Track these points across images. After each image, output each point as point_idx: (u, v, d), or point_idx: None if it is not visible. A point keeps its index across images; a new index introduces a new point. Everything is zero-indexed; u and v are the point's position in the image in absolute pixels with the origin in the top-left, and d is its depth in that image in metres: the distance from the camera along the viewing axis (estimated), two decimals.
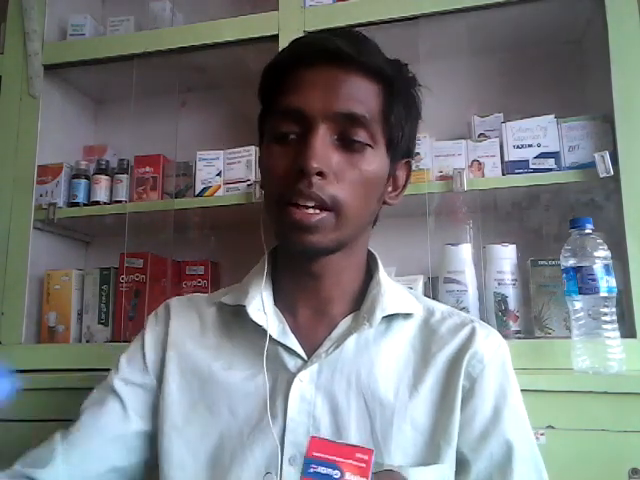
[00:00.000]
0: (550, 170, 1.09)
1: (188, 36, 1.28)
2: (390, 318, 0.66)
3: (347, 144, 0.61)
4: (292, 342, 0.64)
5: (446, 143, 1.17)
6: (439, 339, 0.66)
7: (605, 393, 0.87)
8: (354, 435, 0.60)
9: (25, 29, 1.35)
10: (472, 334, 0.65)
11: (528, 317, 1.09)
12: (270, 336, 0.64)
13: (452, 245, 1.12)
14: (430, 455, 0.60)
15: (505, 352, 0.67)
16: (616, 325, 0.91)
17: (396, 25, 1.17)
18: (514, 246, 1.11)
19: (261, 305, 0.66)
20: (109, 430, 0.65)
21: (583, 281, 0.92)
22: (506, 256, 1.10)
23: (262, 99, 0.68)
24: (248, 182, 1.23)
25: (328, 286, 0.67)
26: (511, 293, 1.09)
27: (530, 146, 1.11)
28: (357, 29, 0.70)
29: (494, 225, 1.24)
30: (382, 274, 0.69)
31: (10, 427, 1.05)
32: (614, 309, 0.92)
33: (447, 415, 0.61)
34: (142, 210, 1.30)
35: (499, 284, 1.09)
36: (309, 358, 0.63)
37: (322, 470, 0.41)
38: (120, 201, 1.34)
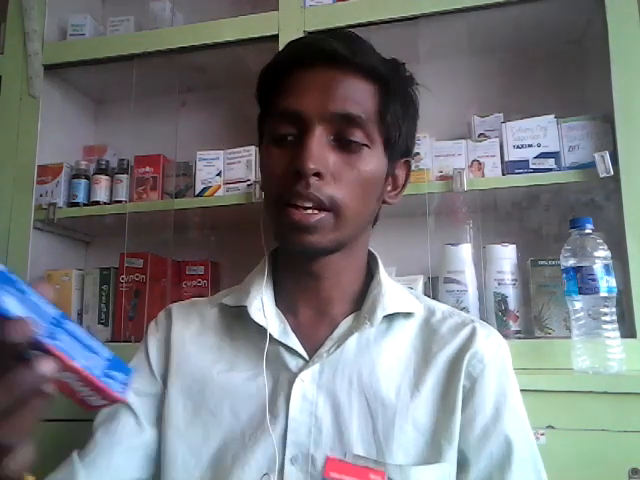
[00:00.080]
0: (550, 170, 1.09)
1: (188, 36, 1.28)
2: (391, 318, 0.66)
3: (344, 144, 0.61)
4: (293, 342, 0.64)
5: (446, 143, 1.17)
6: (440, 339, 0.66)
7: (605, 393, 0.88)
8: (356, 435, 0.60)
9: (25, 29, 1.35)
10: (472, 334, 0.66)
11: (528, 317, 1.09)
12: (271, 336, 0.64)
13: (452, 245, 1.12)
14: (432, 455, 0.60)
15: (505, 352, 0.67)
16: (616, 325, 0.91)
17: (396, 25, 1.17)
18: (514, 246, 1.11)
19: (262, 305, 0.66)
20: (126, 443, 0.65)
21: (583, 281, 0.92)
22: (506, 256, 1.10)
23: (260, 101, 0.68)
24: (248, 182, 1.23)
25: (328, 286, 0.67)
26: (511, 293, 1.09)
27: (530, 146, 1.11)
28: (357, 29, 0.71)
29: (494, 225, 1.24)
30: (383, 274, 0.69)
31: None
32: (614, 309, 0.92)
33: (448, 415, 0.61)
34: (142, 210, 1.30)
35: (499, 284, 1.09)
36: (310, 358, 0.63)
37: None
38: (120, 201, 1.34)
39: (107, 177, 1.37)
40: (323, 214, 0.59)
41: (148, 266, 1.31)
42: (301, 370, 0.63)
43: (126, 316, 1.27)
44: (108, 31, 1.39)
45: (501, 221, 1.26)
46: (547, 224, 1.21)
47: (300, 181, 0.58)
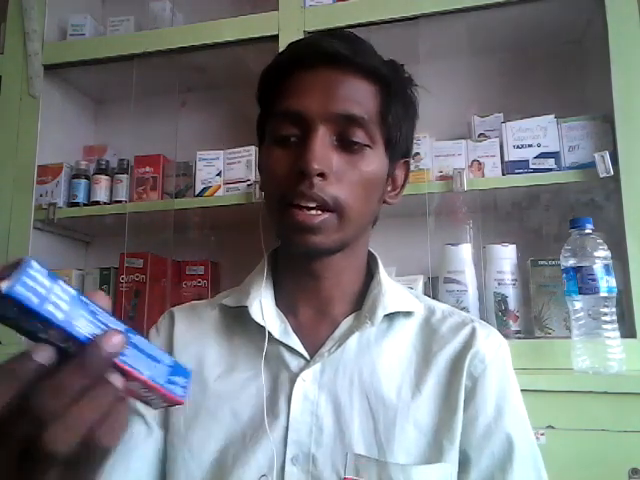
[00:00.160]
0: (550, 170, 1.09)
1: (188, 36, 1.28)
2: (391, 317, 0.66)
3: (346, 145, 0.61)
4: (294, 342, 0.64)
5: (446, 143, 1.17)
6: (440, 338, 0.66)
7: (605, 393, 0.88)
8: (357, 434, 0.60)
9: (25, 29, 1.35)
10: (473, 334, 0.66)
11: (528, 317, 1.09)
12: (272, 336, 0.64)
13: (452, 245, 1.12)
14: (433, 454, 0.60)
15: (505, 352, 0.67)
16: (616, 325, 0.91)
17: (396, 25, 1.18)
18: (514, 246, 1.11)
19: (263, 305, 0.66)
20: (141, 448, 0.64)
21: (583, 281, 0.92)
22: (506, 256, 1.10)
23: (261, 102, 0.68)
24: (248, 182, 1.23)
25: (329, 286, 0.67)
26: (511, 293, 1.09)
27: (530, 146, 1.11)
28: (357, 29, 0.71)
29: (494, 225, 1.24)
30: (382, 274, 0.69)
31: None
32: (614, 309, 0.92)
33: (450, 415, 0.61)
34: (142, 210, 1.30)
35: (499, 284, 1.09)
36: (311, 358, 0.64)
37: None
38: (120, 201, 1.34)
39: (107, 177, 1.37)
40: (327, 215, 0.59)
41: (148, 266, 1.31)
42: (302, 370, 0.63)
43: (126, 316, 1.27)
44: (108, 31, 1.39)
45: (501, 221, 1.26)
46: (547, 224, 1.21)
47: (304, 181, 0.58)
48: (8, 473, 0.32)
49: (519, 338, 1.06)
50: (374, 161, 0.62)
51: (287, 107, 0.61)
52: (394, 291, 0.68)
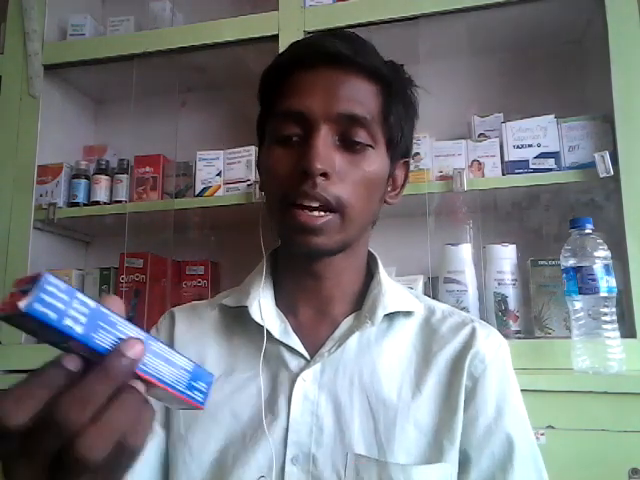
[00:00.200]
0: (550, 170, 1.09)
1: (188, 36, 1.28)
2: (391, 317, 0.66)
3: (348, 145, 0.61)
4: (294, 342, 0.64)
5: (446, 143, 1.17)
6: (440, 338, 0.66)
7: (605, 393, 0.88)
8: (357, 434, 0.60)
9: (25, 29, 1.35)
10: (473, 334, 0.66)
11: (528, 317, 1.09)
12: (272, 336, 0.64)
13: (452, 245, 1.12)
14: (433, 454, 0.60)
15: (505, 351, 0.67)
16: (616, 325, 0.91)
17: (396, 25, 1.18)
18: (514, 246, 1.11)
19: (263, 305, 0.66)
20: (147, 450, 0.63)
21: (583, 281, 0.92)
22: (506, 256, 1.10)
23: (262, 102, 0.68)
24: (248, 182, 1.23)
25: (329, 286, 0.67)
26: (511, 293, 1.09)
27: (530, 146, 1.11)
28: (357, 29, 0.71)
29: (494, 225, 1.24)
30: (382, 274, 0.69)
31: None
32: (614, 309, 0.92)
33: (450, 415, 0.61)
34: (142, 210, 1.30)
35: (499, 284, 1.09)
36: (312, 358, 0.64)
37: None
38: (120, 201, 1.34)
39: (107, 177, 1.37)
40: (330, 216, 0.59)
41: (148, 266, 1.31)
42: (302, 370, 0.63)
43: (126, 316, 1.27)
44: (108, 31, 1.39)
45: (501, 221, 1.26)
46: (547, 224, 1.21)
47: (307, 181, 0.58)
48: None
49: (519, 338, 1.06)
50: (376, 161, 0.62)
51: (289, 106, 0.61)
52: (394, 291, 0.68)
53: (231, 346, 0.68)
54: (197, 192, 1.27)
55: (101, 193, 1.35)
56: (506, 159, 1.12)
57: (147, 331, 0.37)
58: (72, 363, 0.33)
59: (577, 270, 0.93)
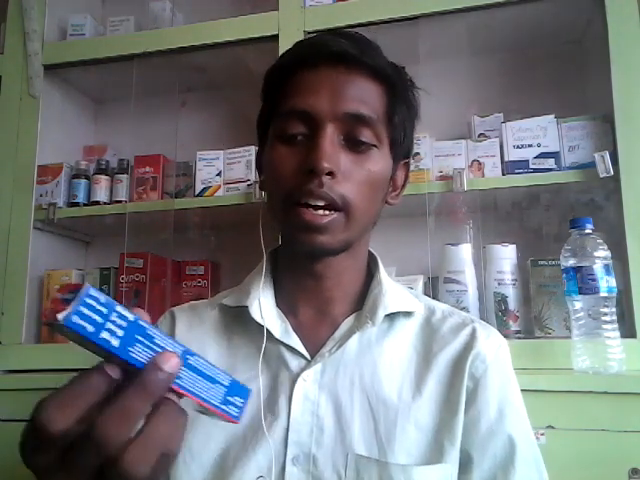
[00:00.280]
0: (550, 170, 1.09)
1: (188, 36, 1.28)
2: (392, 317, 0.66)
3: (354, 144, 0.61)
4: (295, 342, 0.64)
5: (446, 143, 1.17)
6: (440, 339, 0.66)
7: (605, 393, 0.88)
8: (358, 434, 0.60)
9: (25, 29, 1.35)
10: (473, 334, 0.66)
11: (528, 317, 1.09)
12: (273, 336, 0.64)
13: (452, 245, 1.12)
14: (434, 455, 0.60)
15: (506, 352, 0.67)
16: (616, 325, 0.91)
17: (396, 25, 1.17)
18: (514, 246, 1.11)
19: (263, 305, 0.66)
20: None
21: (583, 281, 0.92)
22: (506, 256, 1.10)
23: (266, 101, 0.68)
24: (248, 182, 1.23)
25: (330, 286, 0.67)
26: (511, 293, 1.09)
27: (530, 146, 1.11)
28: (357, 29, 0.70)
29: (494, 225, 1.24)
30: (383, 274, 0.69)
31: (10, 427, 1.06)
32: (614, 309, 0.92)
33: (451, 416, 0.61)
34: (142, 210, 1.30)
35: (499, 284, 1.09)
36: (312, 358, 0.63)
37: None
38: (120, 201, 1.34)
39: (107, 177, 1.37)
40: (335, 215, 0.59)
41: (148, 266, 1.31)
42: (303, 370, 0.63)
43: None
44: (108, 31, 1.39)
45: (501, 221, 1.26)
46: (547, 224, 1.21)
47: (313, 180, 0.58)
48: None
49: (519, 338, 1.06)
50: (380, 161, 0.63)
51: (294, 105, 0.61)
52: (394, 291, 0.68)
53: (231, 346, 0.68)
54: (197, 192, 1.27)
55: (101, 193, 1.35)
56: (506, 159, 1.12)
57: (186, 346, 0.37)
58: (114, 371, 0.34)
59: (577, 270, 0.93)
